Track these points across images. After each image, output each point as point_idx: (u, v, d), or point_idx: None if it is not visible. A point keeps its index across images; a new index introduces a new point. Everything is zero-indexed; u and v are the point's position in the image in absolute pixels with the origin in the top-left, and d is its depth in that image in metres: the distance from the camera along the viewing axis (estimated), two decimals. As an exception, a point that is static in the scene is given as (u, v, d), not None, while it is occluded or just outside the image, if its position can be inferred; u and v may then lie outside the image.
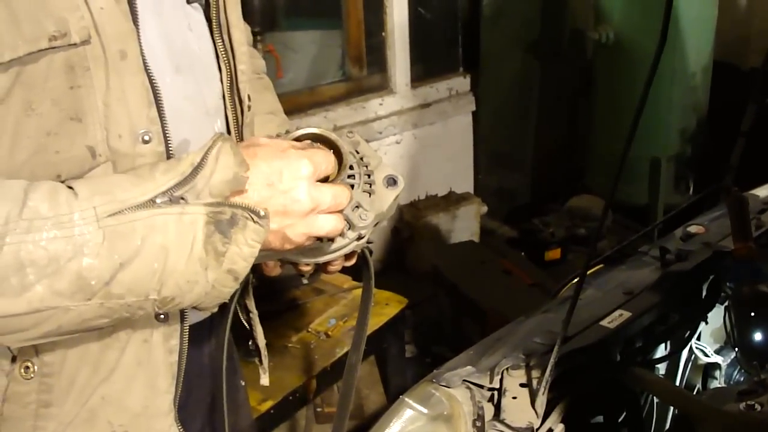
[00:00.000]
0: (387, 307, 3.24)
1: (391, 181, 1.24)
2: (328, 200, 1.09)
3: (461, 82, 4.77)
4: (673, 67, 4.42)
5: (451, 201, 4.60)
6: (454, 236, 4.53)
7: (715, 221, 2.60)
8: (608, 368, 1.81)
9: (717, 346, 2.04)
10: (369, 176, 1.21)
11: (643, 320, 1.94)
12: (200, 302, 1.02)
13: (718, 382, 1.99)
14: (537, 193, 5.20)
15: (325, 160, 1.10)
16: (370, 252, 1.35)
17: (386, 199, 1.23)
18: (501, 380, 1.76)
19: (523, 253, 4.41)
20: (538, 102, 5.06)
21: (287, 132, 1.22)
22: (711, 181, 4.49)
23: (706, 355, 2.00)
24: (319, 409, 3.20)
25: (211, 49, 1.31)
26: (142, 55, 1.08)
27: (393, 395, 3.23)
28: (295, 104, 4.09)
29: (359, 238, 1.21)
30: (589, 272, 2.35)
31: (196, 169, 0.99)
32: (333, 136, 1.20)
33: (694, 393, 2.01)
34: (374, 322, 3.07)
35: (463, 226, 4.57)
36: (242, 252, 1.00)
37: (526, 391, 1.69)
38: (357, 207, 1.17)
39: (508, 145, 5.15)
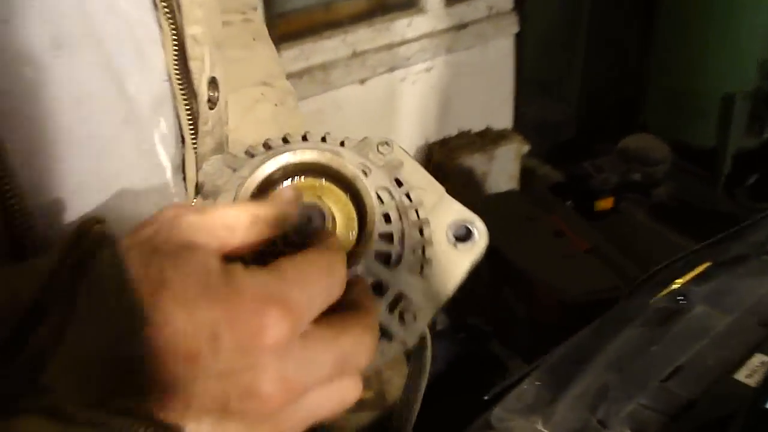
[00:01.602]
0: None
1: (463, 232, 0.71)
2: (327, 369, 0.56)
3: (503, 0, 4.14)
4: (758, -15, 3.81)
5: (488, 139, 4.04)
6: (491, 180, 3.98)
7: None
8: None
9: None
10: (421, 231, 0.68)
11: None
12: None
13: None
14: (585, 130, 4.62)
15: (323, 282, 0.58)
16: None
17: (453, 270, 0.70)
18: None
19: (569, 202, 3.87)
20: (589, 22, 4.45)
21: (267, 147, 0.67)
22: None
23: None
24: None
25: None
26: None
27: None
28: (307, 24, 3.50)
29: (404, 345, 0.67)
30: (689, 276, 1.77)
31: (24, 330, 0.50)
32: (345, 165, 0.66)
33: None
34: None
35: (502, 168, 4.03)
36: None
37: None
38: (398, 298, 0.65)
39: (554, 72, 4.56)
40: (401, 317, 0.66)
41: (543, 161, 4.42)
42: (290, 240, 0.61)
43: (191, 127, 0.83)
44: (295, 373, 0.53)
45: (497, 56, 4.19)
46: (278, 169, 0.66)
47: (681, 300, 1.65)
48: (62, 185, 0.69)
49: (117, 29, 0.73)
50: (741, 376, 1.31)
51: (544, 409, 1.47)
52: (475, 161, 3.93)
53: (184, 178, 0.83)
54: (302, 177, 0.67)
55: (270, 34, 3.15)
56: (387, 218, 0.67)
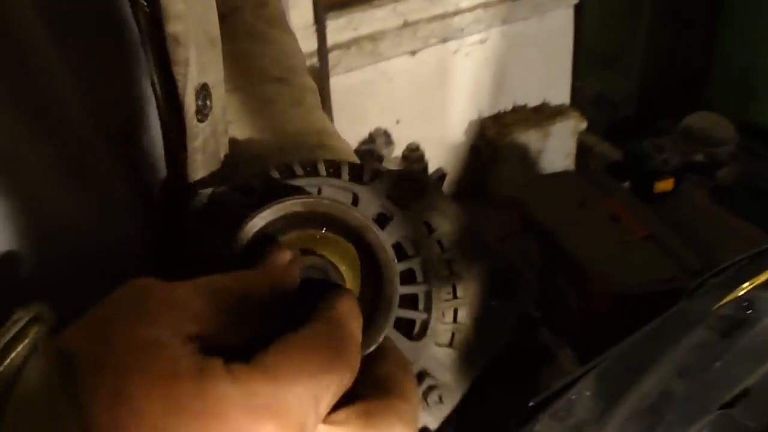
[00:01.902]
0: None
1: (505, 285, 0.58)
2: None
3: (562, -32, 3.98)
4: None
5: (545, 115, 3.89)
6: (546, 158, 3.83)
7: None
8: None
9: None
10: (454, 288, 0.55)
11: None
12: None
13: None
14: (646, 107, 4.42)
15: (332, 372, 0.44)
16: None
17: (489, 336, 0.57)
18: None
19: (627, 183, 3.71)
20: (653, -8, 4.24)
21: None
22: None
23: None
24: None
25: None
26: None
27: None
28: (355, -9, 3.36)
29: None
30: (759, 280, 1.63)
31: None
32: (350, 213, 0.53)
33: None
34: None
35: (558, 145, 3.87)
36: None
37: None
38: (421, 376, 0.55)
39: (614, 45, 4.37)
40: (424, 400, 0.55)
41: (601, 138, 4.25)
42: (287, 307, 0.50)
43: (177, 143, 0.69)
44: None
45: (555, 28, 4.03)
46: (270, 223, 0.53)
47: (748, 308, 1.51)
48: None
49: (109, 33, 0.63)
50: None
51: (594, 426, 1.35)
52: (529, 137, 3.79)
53: (170, 200, 0.71)
54: (298, 229, 0.54)
55: (316, 3, 3.02)
56: (410, 276, 0.55)
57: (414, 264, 0.54)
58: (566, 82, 4.20)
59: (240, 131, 0.80)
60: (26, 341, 0.40)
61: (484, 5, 3.68)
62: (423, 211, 0.57)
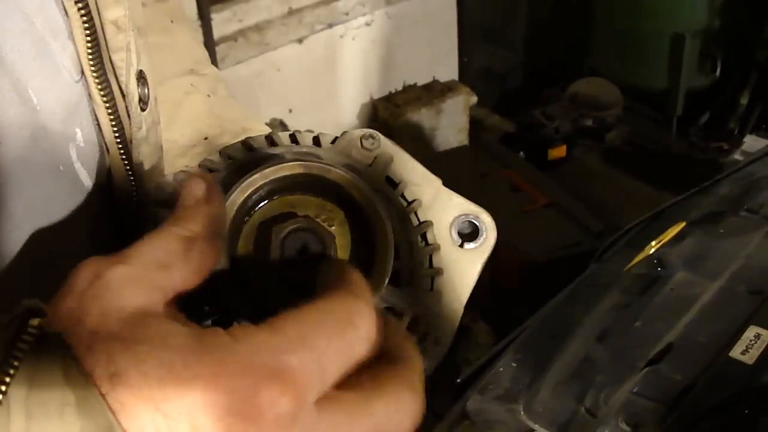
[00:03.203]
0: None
1: (467, 228, 0.61)
2: None
3: (441, -55, 4.01)
4: None
5: (435, 92, 3.93)
6: (440, 135, 3.86)
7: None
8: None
9: None
10: (425, 236, 0.58)
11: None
12: None
13: None
14: (532, 76, 4.52)
15: (340, 341, 0.44)
16: None
17: (464, 275, 0.59)
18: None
19: (521, 153, 3.77)
20: (531, -36, 4.33)
21: (228, 157, 0.56)
22: (741, 57, 3.87)
23: None
24: None
25: None
26: None
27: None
28: (236, -15, 3.32)
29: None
30: (664, 238, 1.67)
31: None
32: (341, 172, 0.53)
33: None
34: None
35: (450, 121, 3.90)
36: None
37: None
38: (414, 322, 0.57)
39: (497, 18, 4.45)
40: (422, 344, 0.55)
41: (491, 111, 4.32)
42: (286, 277, 0.50)
43: (117, 136, 0.66)
44: None
45: (438, 6, 4.06)
46: (255, 190, 0.52)
47: (659, 265, 1.55)
48: None
49: (9, 20, 0.57)
50: (736, 352, 1.22)
51: (525, 395, 1.37)
52: (422, 116, 3.82)
53: (113, 197, 0.68)
54: (282, 195, 0.54)
55: (199, -3, 2.95)
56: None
57: (392, 218, 0.55)
58: (453, 58, 4.22)
59: (164, 123, 0.78)
60: (33, 331, 0.39)
61: (367, -12, 3.69)
62: (385, 166, 0.57)
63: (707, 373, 1.20)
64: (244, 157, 0.55)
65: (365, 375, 0.45)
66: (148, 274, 0.43)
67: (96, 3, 0.62)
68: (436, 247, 0.58)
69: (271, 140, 0.57)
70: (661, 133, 4.00)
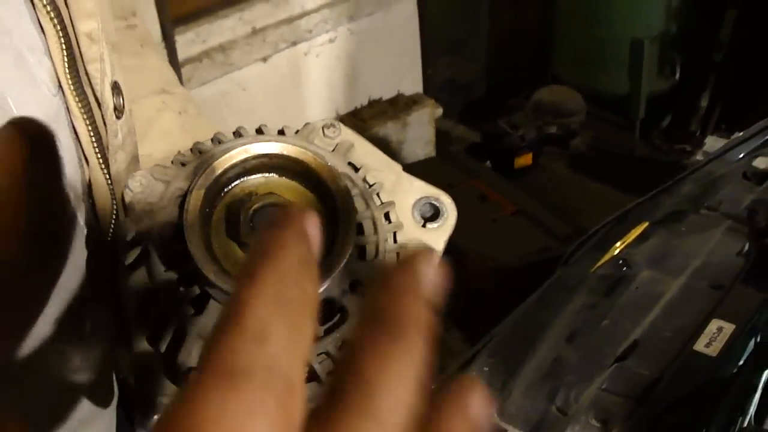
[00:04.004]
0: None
1: (428, 210, 0.65)
2: None
3: (402, -40, 4.02)
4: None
5: (400, 106, 3.94)
6: (407, 148, 3.88)
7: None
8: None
9: None
10: (388, 215, 0.61)
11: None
12: None
13: None
14: (496, 86, 4.55)
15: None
16: None
17: None
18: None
19: (488, 162, 3.81)
20: (491, -25, 4.36)
21: (198, 151, 0.57)
22: (699, 61, 3.93)
23: None
24: None
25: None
26: None
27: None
28: (200, 4, 3.32)
29: None
30: (628, 238, 1.71)
31: None
32: (304, 149, 0.56)
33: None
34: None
35: (417, 134, 3.92)
36: None
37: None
38: None
39: (459, 30, 4.47)
40: None
41: (457, 122, 4.35)
42: None
43: (95, 145, 0.69)
44: None
45: (401, 20, 4.06)
46: (223, 173, 0.55)
47: (624, 265, 1.59)
48: None
49: None
50: (700, 345, 1.25)
51: (497, 397, 1.40)
52: (388, 130, 3.83)
53: (93, 205, 0.70)
54: (253, 175, 0.57)
55: (162, 19, 2.98)
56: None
57: (356, 197, 0.57)
58: (417, 71, 4.23)
59: (138, 139, 0.81)
60: None
61: (329, 5, 3.70)
62: (345, 152, 0.60)
63: (672, 366, 1.23)
64: (213, 148, 0.57)
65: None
66: None
67: (69, 16, 0.64)
68: (399, 225, 0.61)
69: (238, 134, 0.59)
70: (625, 138, 4.06)
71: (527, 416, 1.32)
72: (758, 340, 1.28)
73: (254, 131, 0.59)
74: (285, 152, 0.56)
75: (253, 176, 0.57)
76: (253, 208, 0.54)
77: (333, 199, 0.55)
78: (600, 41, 4.00)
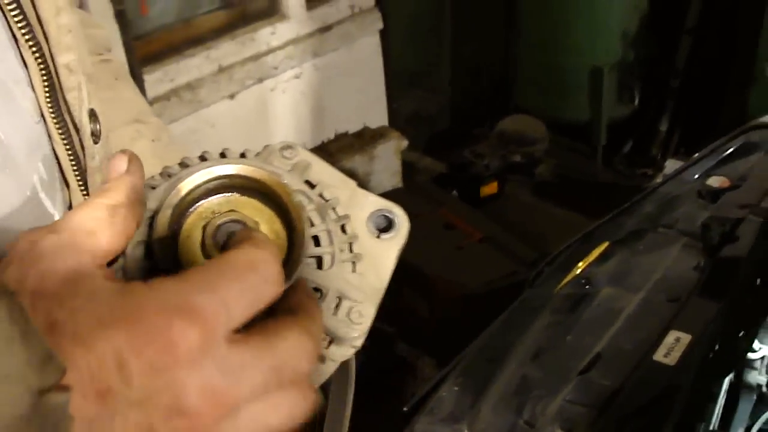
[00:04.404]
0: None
1: (383, 222, 0.68)
2: (261, 377, 0.50)
3: (364, -3, 4.10)
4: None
5: (366, 139, 4.00)
6: (374, 180, 3.94)
7: (733, 165, 1.96)
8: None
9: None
10: (344, 228, 0.65)
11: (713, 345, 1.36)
12: None
13: None
14: (460, 117, 4.62)
15: (242, 283, 0.51)
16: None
17: (383, 261, 0.67)
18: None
19: (455, 192, 3.87)
20: (452, 9, 4.46)
21: (167, 175, 0.62)
22: (658, 87, 4.03)
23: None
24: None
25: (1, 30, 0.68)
26: None
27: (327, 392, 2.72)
28: (167, 44, 3.39)
29: (353, 347, 0.66)
30: (590, 258, 1.77)
31: None
32: (263, 171, 0.60)
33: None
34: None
35: (383, 166, 3.99)
36: None
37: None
38: (339, 299, 0.63)
39: (422, 64, 4.56)
40: (347, 317, 0.62)
41: (422, 154, 4.41)
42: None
43: (75, 168, 0.74)
44: (222, 382, 0.48)
45: (365, 55, 4.14)
46: (188, 193, 0.60)
47: (586, 284, 1.64)
48: None
49: None
50: (659, 356, 1.30)
51: (468, 416, 1.44)
52: (355, 163, 3.89)
53: None
54: (218, 195, 0.61)
55: (130, 59, 3.02)
56: (310, 222, 0.63)
57: (311, 211, 0.62)
58: (382, 104, 4.31)
59: None
60: None
61: (294, 41, 3.77)
62: (302, 171, 0.65)
63: (633, 376, 1.28)
64: (179, 172, 0.62)
65: (270, 322, 0.52)
66: (76, 240, 0.51)
67: (50, 50, 0.71)
68: (354, 237, 0.65)
69: (203, 158, 0.64)
70: (588, 164, 4.14)
71: (497, 430, 1.36)
72: (716, 348, 1.33)
73: (218, 155, 0.64)
74: (243, 173, 0.60)
75: (216, 196, 0.61)
76: (216, 224, 0.59)
77: (288, 213, 0.60)
78: (560, 70, 4.09)
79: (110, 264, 0.59)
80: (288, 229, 0.60)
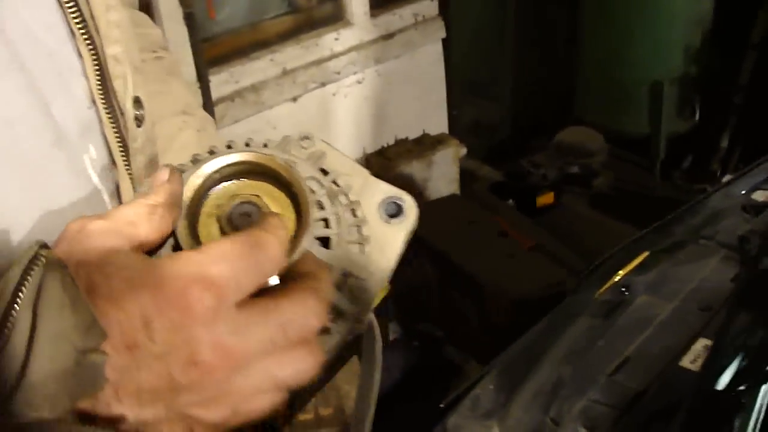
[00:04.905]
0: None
1: (393, 208, 0.73)
2: (268, 333, 0.58)
3: (428, 6, 4.11)
4: (673, -26, 3.88)
5: (426, 145, 4.02)
6: (432, 186, 3.96)
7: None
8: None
9: None
10: (354, 212, 0.71)
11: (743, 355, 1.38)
12: None
13: None
14: (520, 127, 4.65)
15: (250, 257, 0.59)
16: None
17: (391, 244, 0.72)
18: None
19: (511, 201, 3.90)
20: (516, 21, 4.47)
21: (195, 161, 0.69)
22: (719, 102, 4.00)
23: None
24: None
25: (59, 23, 0.78)
26: None
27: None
28: (233, 47, 3.48)
29: (358, 322, 0.70)
30: (630, 267, 1.79)
31: None
32: (274, 158, 0.67)
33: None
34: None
35: (441, 173, 4.01)
36: None
37: None
38: (345, 276, 0.68)
39: (484, 73, 4.59)
40: (351, 294, 0.67)
41: (481, 162, 4.43)
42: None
43: (122, 151, 0.83)
44: (232, 339, 0.56)
45: (427, 62, 4.18)
46: (221, 170, 0.67)
47: (624, 291, 1.67)
48: None
49: (37, 56, 0.74)
50: (686, 362, 1.33)
51: (499, 413, 1.48)
52: (413, 168, 3.92)
53: (121, 203, 0.84)
54: (235, 180, 0.68)
55: (197, 61, 3.12)
56: (320, 205, 0.69)
57: (321, 196, 0.68)
58: (443, 112, 4.33)
59: (160, 152, 0.95)
60: (48, 257, 0.56)
61: (357, 47, 3.82)
62: (317, 159, 0.72)
63: (658, 380, 1.31)
64: (206, 158, 0.68)
65: (278, 287, 0.61)
66: (118, 227, 0.60)
67: (101, 42, 0.80)
68: (363, 221, 0.71)
69: (229, 146, 0.71)
70: (646, 177, 4.13)
71: (525, 428, 1.40)
72: (747, 360, 1.34)
73: (243, 144, 0.71)
74: (258, 160, 0.67)
75: (233, 180, 0.68)
76: (231, 204, 0.66)
77: (297, 197, 0.66)
78: (621, 84, 4.09)
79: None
80: (297, 211, 0.67)
